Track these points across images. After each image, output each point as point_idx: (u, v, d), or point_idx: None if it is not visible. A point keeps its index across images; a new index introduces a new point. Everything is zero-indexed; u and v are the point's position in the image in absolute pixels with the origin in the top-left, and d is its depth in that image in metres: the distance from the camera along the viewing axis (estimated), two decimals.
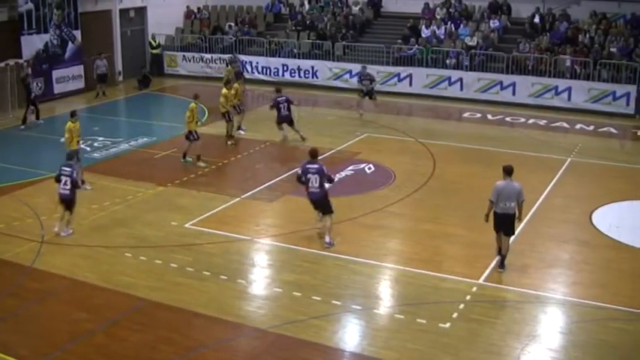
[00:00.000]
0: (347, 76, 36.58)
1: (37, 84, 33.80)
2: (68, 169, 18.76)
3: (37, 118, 30.61)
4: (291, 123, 27.20)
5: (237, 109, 28.14)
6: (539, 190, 21.59)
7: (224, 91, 27.00)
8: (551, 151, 26.19)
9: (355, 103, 31.42)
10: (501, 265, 16.51)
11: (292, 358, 13.27)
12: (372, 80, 31.03)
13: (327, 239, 17.95)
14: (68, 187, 18.54)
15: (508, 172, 16.32)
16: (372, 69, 35.37)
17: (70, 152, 20.33)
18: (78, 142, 22.19)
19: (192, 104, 24.47)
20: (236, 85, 28.52)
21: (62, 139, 22.10)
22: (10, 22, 33.64)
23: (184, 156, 24.59)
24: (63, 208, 18.75)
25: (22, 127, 29.96)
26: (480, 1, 38.28)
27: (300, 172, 18.32)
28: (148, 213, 20.43)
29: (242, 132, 28.46)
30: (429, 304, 15.05)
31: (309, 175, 17.92)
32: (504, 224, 16.35)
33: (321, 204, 18.11)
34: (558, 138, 28.47)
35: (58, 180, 18.77)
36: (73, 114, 22.39)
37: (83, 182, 22.15)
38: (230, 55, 39.10)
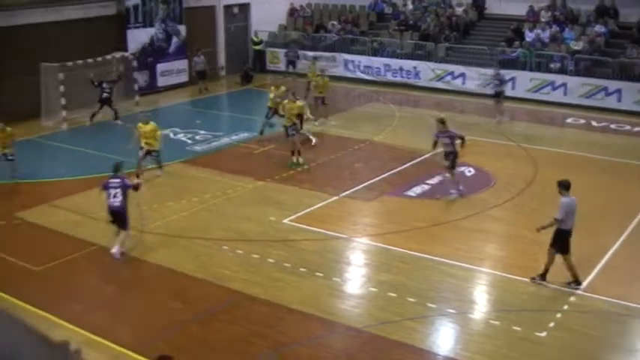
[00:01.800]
0: (449, 77, 36.32)
1: (142, 77, 34.56)
2: (117, 180, 17.24)
3: (116, 118, 30.31)
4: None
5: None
6: None
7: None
8: None
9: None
10: (544, 277, 15.85)
11: (385, 359, 13.26)
12: (501, 81, 30.71)
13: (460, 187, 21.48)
14: (119, 198, 17.01)
15: (567, 187, 15.56)
16: (475, 71, 35.17)
17: (116, 164, 17.73)
18: (146, 143, 22.75)
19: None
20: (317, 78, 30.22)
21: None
22: (118, 15, 34.49)
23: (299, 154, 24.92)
24: (115, 224, 17.35)
25: (88, 123, 29.97)
26: (587, 4, 37.47)
27: (436, 138, 21.57)
28: (247, 207, 20.64)
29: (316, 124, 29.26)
30: (525, 312, 14.84)
31: (446, 140, 21.32)
32: (569, 242, 15.60)
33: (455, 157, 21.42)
34: None
35: (105, 188, 17.39)
36: (143, 117, 23.55)
37: (161, 167, 23.35)
38: (287, 51, 40.45)
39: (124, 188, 17.12)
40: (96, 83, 29.42)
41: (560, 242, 15.51)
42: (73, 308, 14.95)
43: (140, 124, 22.95)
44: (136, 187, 17.55)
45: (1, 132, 22.39)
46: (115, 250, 17.14)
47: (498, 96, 30.55)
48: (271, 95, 27.67)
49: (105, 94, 29.72)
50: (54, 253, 17.63)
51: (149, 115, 23.85)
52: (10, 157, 22.46)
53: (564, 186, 15.58)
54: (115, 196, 17.03)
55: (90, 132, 28.99)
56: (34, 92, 29.67)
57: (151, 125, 22.91)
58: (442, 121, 21.68)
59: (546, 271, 15.75)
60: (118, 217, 17.20)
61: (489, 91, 32.30)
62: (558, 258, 15.56)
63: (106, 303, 15.26)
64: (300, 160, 24.51)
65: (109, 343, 13.61)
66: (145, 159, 22.76)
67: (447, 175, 21.65)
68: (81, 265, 17.14)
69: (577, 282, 15.70)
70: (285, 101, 25.07)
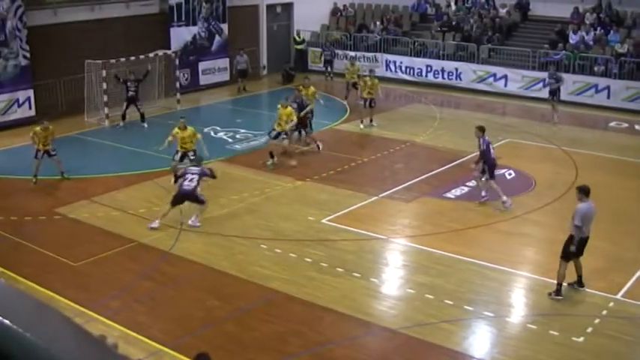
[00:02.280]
0: (491, 79, 36.07)
1: (183, 75, 34.81)
2: (197, 168, 19.24)
3: (142, 120, 29.77)
4: None
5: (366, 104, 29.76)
6: None
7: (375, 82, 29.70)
8: None
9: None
10: (580, 283, 15.63)
11: None
12: (557, 80, 30.49)
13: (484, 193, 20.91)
14: (194, 183, 18.77)
15: (587, 192, 15.28)
16: (517, 73, 34.92)
17: (198, 157, 20.84)
18: (182, 147, 22.17)
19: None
20: (367, 79, 30.09)
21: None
22: (161, 14, 34.74)
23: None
24: (179, 203, 18.94)
25: (121, 124, 29.52)
26: (633, 6, 36.94)
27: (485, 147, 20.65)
28: (286, 206, 20.66)
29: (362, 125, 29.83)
30: (562, 316, 14.69)
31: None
32: (583, 247, 15.37)
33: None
34: None
35: (179, 177, 19.06)
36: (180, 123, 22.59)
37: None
38: (324, 50, 40.65)
39: (202, 175, 19.06)
40: (121, 80, 29.19)
41: (577, 249, 15.26)
42: (109, 304, 15.07)
43: (177, 130, 22.12)
44: (213, 174, 19.55)
45: (44, 130, 22.50)
46: (192, 220, 19.16)
47: (553, 95, 30.36)
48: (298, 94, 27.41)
49: (131, 93, 29.15)
50: (93, 248, 17.78)
51: (184, 117, 23.15)
52: (52, 152, 22.60)
53: (585, 192, 15.34)
54: (190, 181, 18.76)
55: (131, 129, 29.14)
56: (76, 89, 29.97)
57: (190, 130, 22.22)
58: (479, 129, 20.93)
59: (579, 277, 15.57)
60: (191, 198, 18.99)
61: (538, 92, 32.20)
62: (569, 263, 15.35)
63: (143, 298, 15.34)
64: (273, 161, 24.33)
65: (144, 338, 13.70)
66: (182, 162, 22.41)
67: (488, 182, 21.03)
68: (119, 261, 17.26)
69: (559, 291, 15.34)
70: (279, 105, 24.67)
